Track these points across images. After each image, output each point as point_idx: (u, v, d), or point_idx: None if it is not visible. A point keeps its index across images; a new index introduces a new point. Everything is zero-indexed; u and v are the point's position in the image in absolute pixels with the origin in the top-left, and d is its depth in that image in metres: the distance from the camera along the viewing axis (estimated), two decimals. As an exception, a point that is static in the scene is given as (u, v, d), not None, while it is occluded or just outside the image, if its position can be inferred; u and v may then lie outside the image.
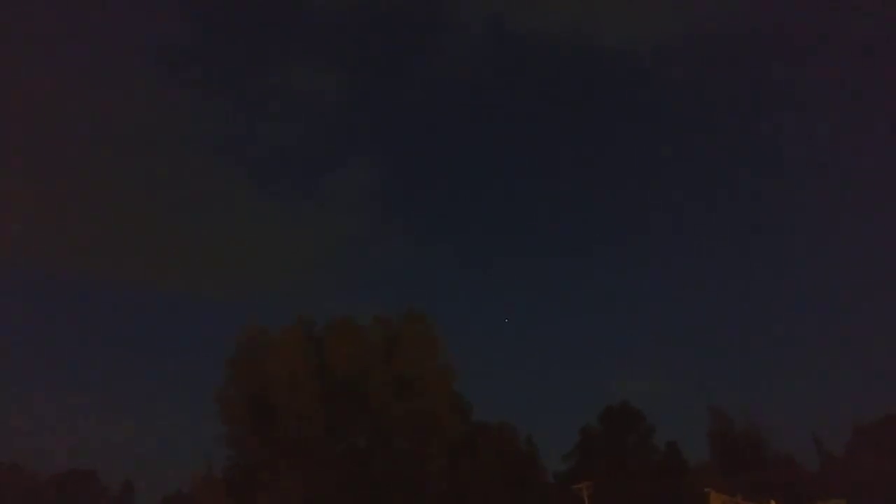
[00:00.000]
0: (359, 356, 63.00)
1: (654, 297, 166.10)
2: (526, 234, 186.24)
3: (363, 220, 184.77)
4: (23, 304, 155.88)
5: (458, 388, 68.20)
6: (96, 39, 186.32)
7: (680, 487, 64.42)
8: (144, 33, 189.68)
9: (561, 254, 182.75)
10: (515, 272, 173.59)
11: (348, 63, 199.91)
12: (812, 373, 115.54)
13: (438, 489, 60.91)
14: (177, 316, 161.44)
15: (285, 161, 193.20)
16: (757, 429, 69.78)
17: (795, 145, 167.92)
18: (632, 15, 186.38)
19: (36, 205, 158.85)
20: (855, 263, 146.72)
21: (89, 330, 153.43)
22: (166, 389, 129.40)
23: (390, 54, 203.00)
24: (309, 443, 59.81)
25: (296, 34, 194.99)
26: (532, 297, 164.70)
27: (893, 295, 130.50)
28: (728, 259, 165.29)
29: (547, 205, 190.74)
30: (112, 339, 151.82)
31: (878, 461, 64.79)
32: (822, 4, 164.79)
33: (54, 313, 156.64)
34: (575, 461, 73.23)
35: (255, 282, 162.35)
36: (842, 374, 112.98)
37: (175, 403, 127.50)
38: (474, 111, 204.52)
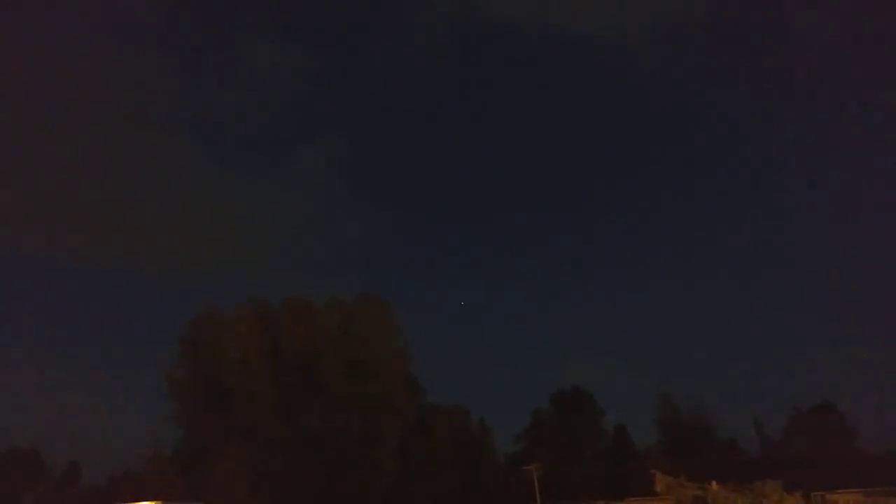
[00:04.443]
0: (313, 337, 62.46)
1: (608, 284, 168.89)
2: (485, 217, 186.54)
3: (324, 199, 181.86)
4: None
5: (414, 371, 68.48)
6: (50, 7, 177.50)
7: (627, 469, 66.15)
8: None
9: (518, 238, 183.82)
10: (473, 255, 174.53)
11: (313, 38, 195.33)
12: (755, 359, 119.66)
13: (391, 471, 61.18)
14: (128, 293, 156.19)
15: (247, 136, 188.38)
16: (703, 416, 72.34)
17: (762, 136, 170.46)
18: (599, 1, 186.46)
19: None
20: (800, 255, 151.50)
21: (34, 306, 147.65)
22: (116, 367, 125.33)
23: (355, 30, 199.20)
24: (261, 423, 59.21)
25: (260, 7, 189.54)
26: (489, 280, 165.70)
27: (833, 289, 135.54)
28: (679, 247, 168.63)
29: (508, 190, 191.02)
30: (58, 315, 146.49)
31: (814, 445, 67.71)
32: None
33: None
34: (526, 443, 74.58)
35: (212, 259, 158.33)
36: (783, 361, 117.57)
37: (125, 382, 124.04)
38: (440, 91, 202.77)
